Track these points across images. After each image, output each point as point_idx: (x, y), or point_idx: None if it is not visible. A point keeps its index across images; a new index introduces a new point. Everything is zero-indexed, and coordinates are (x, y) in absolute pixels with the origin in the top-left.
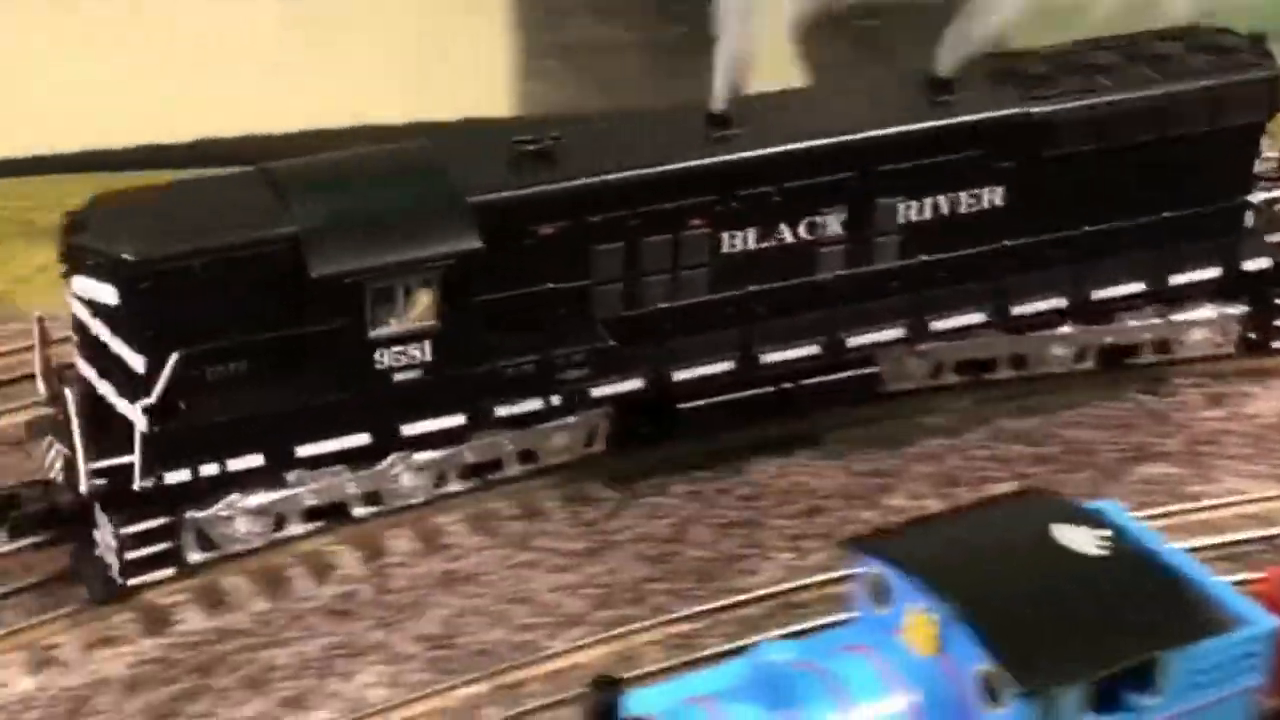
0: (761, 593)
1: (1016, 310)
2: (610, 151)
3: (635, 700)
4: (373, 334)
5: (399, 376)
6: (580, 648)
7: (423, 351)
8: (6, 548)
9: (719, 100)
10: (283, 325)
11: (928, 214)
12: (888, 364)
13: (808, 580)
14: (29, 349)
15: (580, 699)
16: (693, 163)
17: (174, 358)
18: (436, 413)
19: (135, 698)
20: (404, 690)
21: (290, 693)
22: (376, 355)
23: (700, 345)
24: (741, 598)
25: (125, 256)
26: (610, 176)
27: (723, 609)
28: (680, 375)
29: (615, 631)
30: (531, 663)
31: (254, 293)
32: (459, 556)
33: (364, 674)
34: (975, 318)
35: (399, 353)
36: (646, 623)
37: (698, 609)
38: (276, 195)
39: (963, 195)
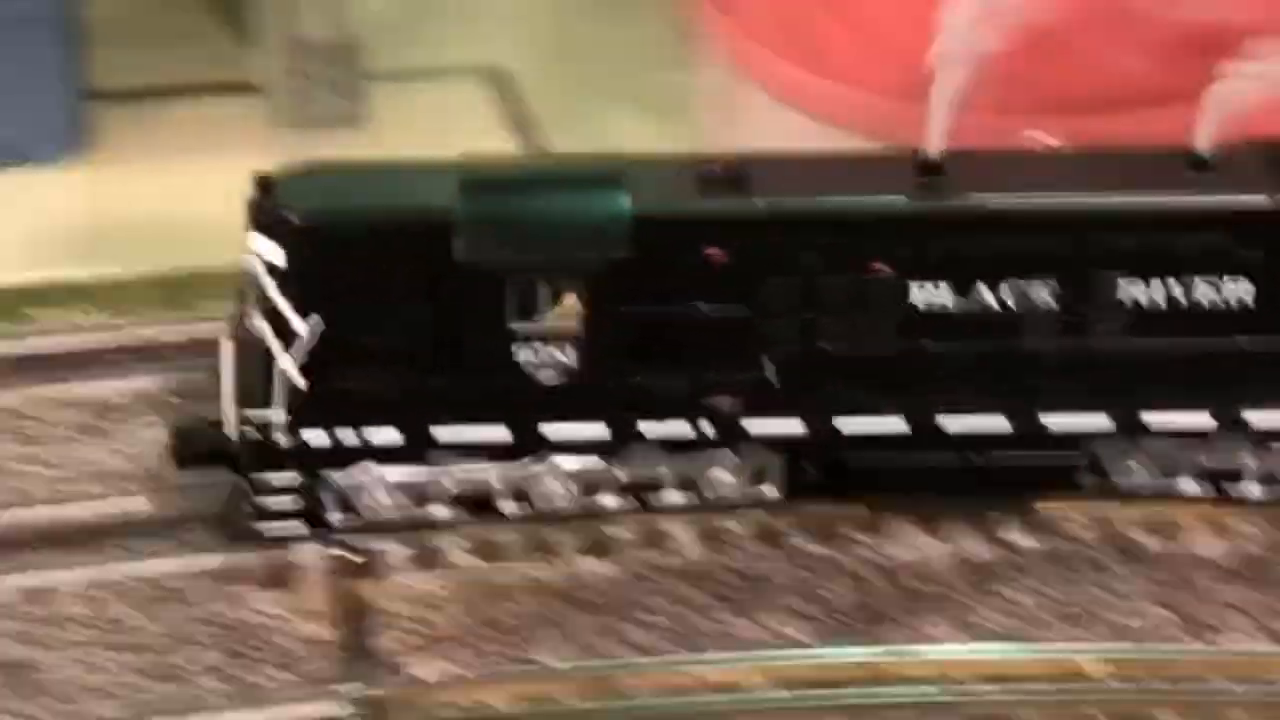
0: None
1: (1249, 416)
2: (801, 183)
3: None
4: (511, 326)
5: (538, 375)
6: None
7: (563, 353)
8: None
9: (932, 146)
10: (430, 305)
11: (1154, 297)
12: (1107, 459)
13: None
14: None
15: None
16: (887, 203)
17: (323, 321)
18: (575, 417)
19: None
20: None
21: None
22: (515, 349)
23: (873, 398)
24: None
25: (289, 217)
26: (793, 205)
27: None
28: (846, 427)
29: None
30: None
31: (407, 269)
32: None
33: None
34: (1198, 419)
35: (537, 349)
36: None
37: None
38: (452, 182)
39: (1199, 281)
